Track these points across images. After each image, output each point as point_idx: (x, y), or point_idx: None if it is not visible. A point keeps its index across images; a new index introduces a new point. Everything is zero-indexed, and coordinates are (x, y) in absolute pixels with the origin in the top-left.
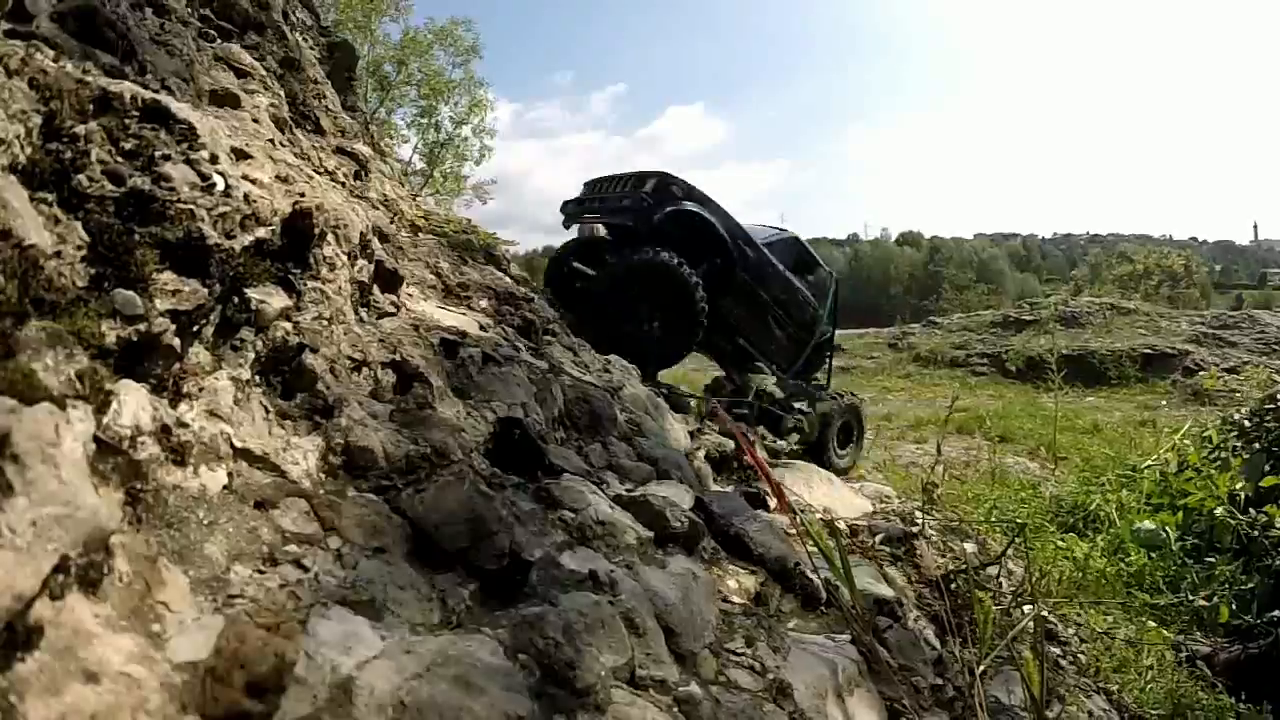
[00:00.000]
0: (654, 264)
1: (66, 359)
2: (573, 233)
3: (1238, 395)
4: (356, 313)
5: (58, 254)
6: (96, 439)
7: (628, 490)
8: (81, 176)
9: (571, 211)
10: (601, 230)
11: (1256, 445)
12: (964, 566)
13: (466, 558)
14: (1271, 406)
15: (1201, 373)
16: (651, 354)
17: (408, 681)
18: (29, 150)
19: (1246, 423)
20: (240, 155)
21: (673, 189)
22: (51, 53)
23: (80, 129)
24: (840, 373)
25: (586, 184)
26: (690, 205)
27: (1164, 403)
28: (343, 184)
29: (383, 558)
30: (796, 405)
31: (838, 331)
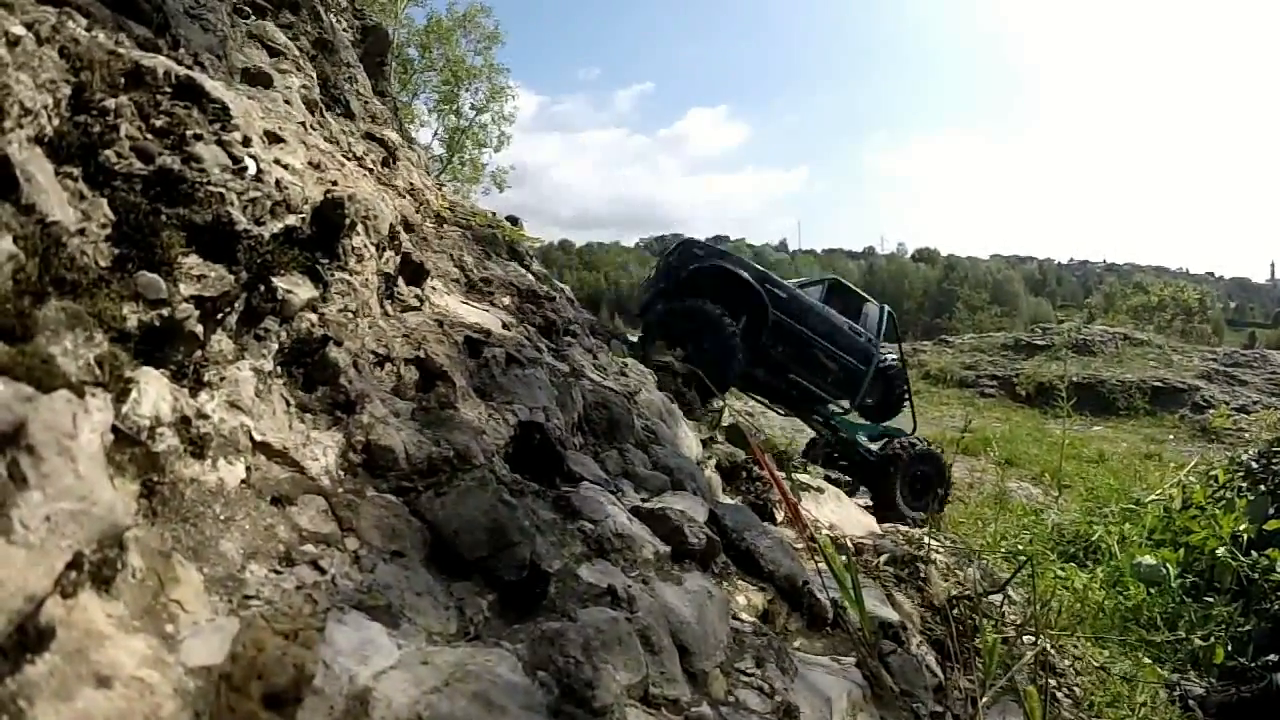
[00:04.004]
0: (688, 309)
1: (86, 343)
2: None
3: (1246, 435)
4: (381, 306)
5: (81, 232)
6: (115, 429)
7: (644, 501)
8: (110, 152)
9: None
10: None
11: (1262, 488)
12: (967, 593)
13: (486, 566)
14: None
15: (1210, 410)
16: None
17: (426, 695)
18: (56, 122)
19: (1254, 464)
20: (273, 139)
21: (695, 251)
22: (84, 21)
23: (110, 103)
24: None
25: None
26: (711, 261)
27: (1171, 437)
28: (371, 171)
29: (400, 562)
30: (863, 445)
31: None
